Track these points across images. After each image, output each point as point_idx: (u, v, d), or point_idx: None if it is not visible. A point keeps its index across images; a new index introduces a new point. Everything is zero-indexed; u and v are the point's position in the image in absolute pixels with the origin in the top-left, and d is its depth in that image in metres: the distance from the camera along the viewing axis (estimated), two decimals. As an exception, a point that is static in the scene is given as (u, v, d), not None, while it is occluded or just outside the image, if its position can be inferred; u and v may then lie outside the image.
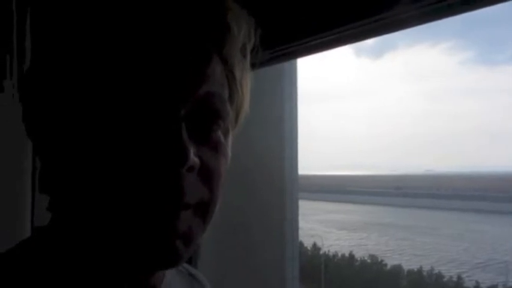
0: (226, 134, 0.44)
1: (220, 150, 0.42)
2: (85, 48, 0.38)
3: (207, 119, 0.41)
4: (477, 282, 10.06)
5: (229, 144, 0.46)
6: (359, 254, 12.46)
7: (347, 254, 11.90)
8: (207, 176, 0.41)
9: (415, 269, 10.71)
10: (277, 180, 1.62)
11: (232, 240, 1.66)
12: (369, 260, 11.44)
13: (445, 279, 10.12)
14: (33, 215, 1.03)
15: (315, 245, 12.18)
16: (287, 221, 1.63)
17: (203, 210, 0.41)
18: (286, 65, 1.64)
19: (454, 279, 10.23)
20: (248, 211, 1.61)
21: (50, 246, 0.43)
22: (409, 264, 11.79)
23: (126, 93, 0.37)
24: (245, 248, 1.63)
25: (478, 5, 0.80)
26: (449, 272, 10.83)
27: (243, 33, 0.43)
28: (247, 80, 0.47)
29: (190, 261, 1.16)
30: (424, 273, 10.30)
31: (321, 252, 11.89)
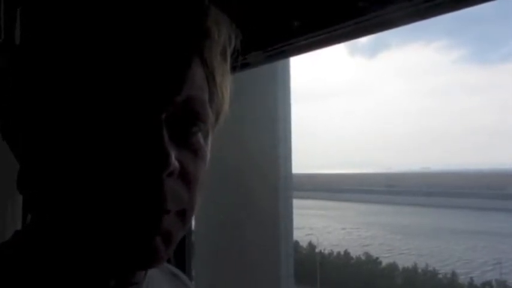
0: (206, 137, 0.45)
1: (200, 153, 0.43)
2: (65, 50, 0.38)
3: (187, 123, 0.41)
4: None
5: (209, 146, 0.46)
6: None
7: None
8: (187, 179, 0.41)
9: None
10: (271, 179, 1.63)
11: (227, 238, 1.67)
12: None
13: None
14: (24, 215, 1.03)
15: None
16: (281, 219, 1.64)
17: (182, 213, 0.42)
18: (279, 64, 1.65)
19: None
20: (242, 210, 1.62)
21: (30, 247, 0.42)
22: None
23: (107, 96, 0.37)
24: (240, 246, 1.63)
25: (469, 3, 0.80)
26: None
27: (223, 36, 0.44)
28: (227, 82, 0.47)
29: (184, 259, 1.16)
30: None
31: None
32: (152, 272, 0.48)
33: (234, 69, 0.49)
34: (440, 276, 10.63)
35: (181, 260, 1.08)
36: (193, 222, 1.95)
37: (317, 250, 11.85)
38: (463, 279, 10.60)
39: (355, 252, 11.93)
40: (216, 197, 1.72)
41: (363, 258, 11.82)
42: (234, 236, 1.65)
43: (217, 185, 1.71)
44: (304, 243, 12.03)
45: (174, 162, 0.38)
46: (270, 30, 0.84)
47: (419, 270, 10.79)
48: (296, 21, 0.85)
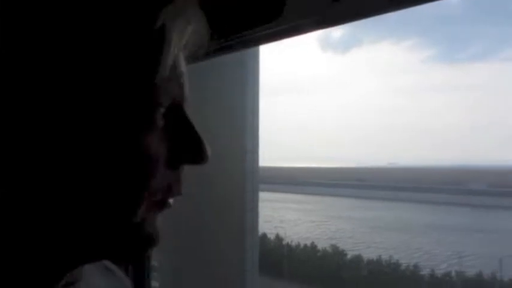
0: None
1: None
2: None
3: None
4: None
5: None
6: None
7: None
8: None
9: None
10: (237, 172, 1.61)
11: (191, 230, 1.65)
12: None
13: None
14: None
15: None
16: (247, 212, 1.63)
17: None
18: (248, 56, 1.63)
19: None
20: (207, 203, 1.60)
21: None
22: None
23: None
24: (203, 239, 1.62)
25: None
26: None
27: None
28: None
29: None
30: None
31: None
32: (87, 269, 0.46)
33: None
34: (403, 268, 10.96)
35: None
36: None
37: (284, 242, 11.95)
38: (425, 270, 10.98)
39: (324, 245, 12.12)
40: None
41: (330, 250, 12.03)
42: (198, 228, 1.64)
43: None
44: (272, 236, 12.13)
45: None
46: (235, 16, 0.82)
47: (383, 262, 11.10)
48: (263, 8, 0.83)
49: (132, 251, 0.40)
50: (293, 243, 12.18)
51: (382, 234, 16.70)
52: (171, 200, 0.42)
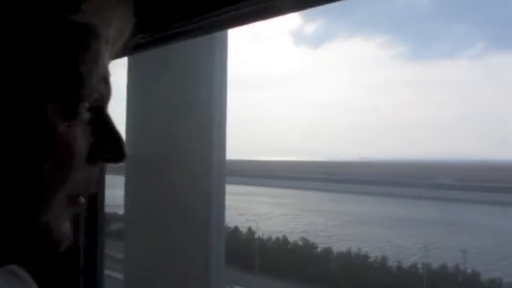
0: None
1: None
2: None
3: None
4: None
5: None
6: None
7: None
8: None
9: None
10: (203, 166, 1.60)
11: (155, 225, 1.63)
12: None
13: None
14: None
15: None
16: (213, 207, 1.62)
17: None
18: (215, 44, 1.60)
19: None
20: (172, 198, 1.58)
21: None
22: None
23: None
24: (168, 234, 1.60)
25: None
26: None
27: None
28: None
29: (96, 244, 1.11)
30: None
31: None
32: None
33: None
34: (371, 260, 11.23)
35: (93, 244, 1.03)
36: (122, 209, 1.89)
37: (256, 236, 12.04)
38: (392, 262, 11.29)
39: (297, 238, 12.29)
40: (143, 185, 1.67)
41: (300, 243, 12.19)
42: (163, 223, 1.62)
43: (143, 173, 1.65)
44: (244, 229, 12.18)
45: None
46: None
47: (352, 255, 11.34)
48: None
49: (36, 255, 0.40)
50: (264, 236, 12.29)
51: (354, 227, 17.03)
52: (82, 199, 0.42)
